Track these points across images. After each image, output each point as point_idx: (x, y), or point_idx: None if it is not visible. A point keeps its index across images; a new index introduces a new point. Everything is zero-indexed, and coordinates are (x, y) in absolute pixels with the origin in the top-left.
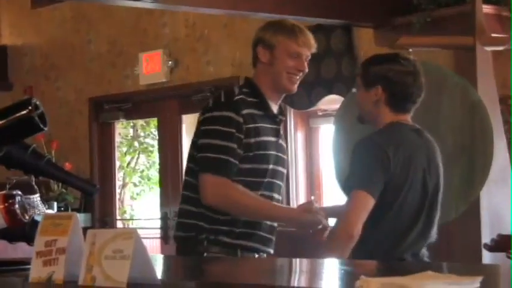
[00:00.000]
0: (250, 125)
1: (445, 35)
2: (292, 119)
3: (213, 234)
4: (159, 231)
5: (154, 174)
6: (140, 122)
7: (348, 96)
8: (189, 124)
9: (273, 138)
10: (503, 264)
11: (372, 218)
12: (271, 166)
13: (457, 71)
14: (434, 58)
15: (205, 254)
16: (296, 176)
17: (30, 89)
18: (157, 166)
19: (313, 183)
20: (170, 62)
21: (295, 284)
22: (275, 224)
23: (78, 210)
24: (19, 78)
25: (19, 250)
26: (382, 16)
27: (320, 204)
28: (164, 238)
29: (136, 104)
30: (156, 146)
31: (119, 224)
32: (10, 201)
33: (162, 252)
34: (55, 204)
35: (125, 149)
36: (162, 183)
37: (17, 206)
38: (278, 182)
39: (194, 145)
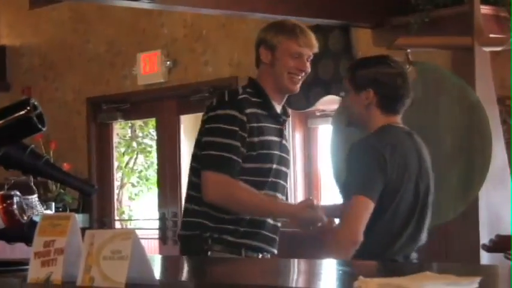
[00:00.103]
0: (254, 124)
1: (443, 36)
2: (290, 120)
3: (217, 233)
4: (157, 231)
5: (153, 174)
6: (138, 122)
7: None
8: (187, 124)
9: (276, 138)
10: (501, 265)
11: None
12: (274, 166)
13: (455, 71)
14: (432, 58)
15: (209, 253)
16: (294, 176)
17: (29, 89)
18: (155, 166)
19: (311, 184)
20: (168, 62)
21: (294, 285)
22: (278, 224)
23: (77, 211)
24: (17, 78)
25: (17, 250)
26: (380, 16)
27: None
28: (162, 239)
29: (135, 105)
30: (154, 147)
31: (117, 225)
32: (8, 201)
33: (161, 252)
34: (53, 204)
35: (123, 150)
36: (160, 183)
37: (15, 206)
38: (282, 182)
39: (198, 144)
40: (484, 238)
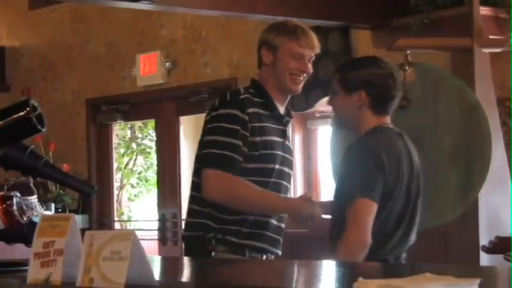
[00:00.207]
0: (256, 124)
1: (443, 37)
2: None
3: (221, 234)
4: (156, 232)
5: (152, 175)
6: (138, 123)
7: None
8: (186, 125)
9: (279, 139)
10: (501, 266)
11: None
12: (277, 166)
13: (454, 72)
14: (431, 60)
15: (213, 254)
16: (294, 177)
17: (28, 90)
18: (155, 167)
19: (310, 185)
20: (168, 64)
21: (293, 286)
22: (282, 225)
23: (76, 212)
24: (17, 79)
25: (17, 251)
26: (380, 18)
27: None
28: (162, 239)
29: (134, 106)
30: (154, 148)
31: (117, 226)
32: (8, 202)
33: (160, 253)
34: (53, 205)
35: (122, 151)
36: (160, 184)
37: (14, 207)
38: (285, 183)
39: (200, 144)
40: (484, 239)
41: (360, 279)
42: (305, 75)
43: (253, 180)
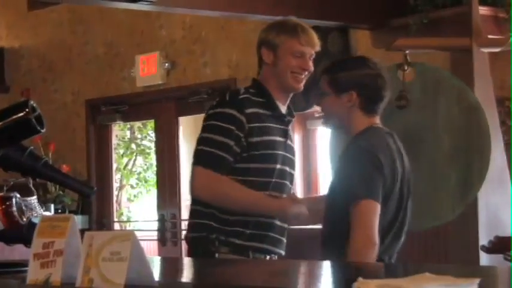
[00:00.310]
0: (255, 124)
1: (442, 37)
2: None
3: (224, 236)
4: (156, 233)
5: (152, 176)
6: (137, 124)
7: None
8: (186, 126)
9: (281, 139)
10: (500, 266)
11: None
12: (278, 166)
13: (454, 72)
14: (431, 60)
15: (216, 255)
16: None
17: (27, 91)
18: (154, 168)
19: (310, 184)
20: (167, 64)
21: (293, 286)
22: (285, 225)
23: (76, 212)
24: (16, 80)
25: (16, 252)
26: (379, 18)
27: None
28: (161, 240)
29: (133, 106)
30: (153, 148)
31: (116, 226)
32: (7, 203)
33: (160, 254)
34: (52, 206)
35: (122, 151)
36: (159, 185)
37: (14, 208)
38: (287, 182)
39: (196, 142)
40: (483, 239)
41: (360, 279)
42: (306, 73)
43: (254, 180)
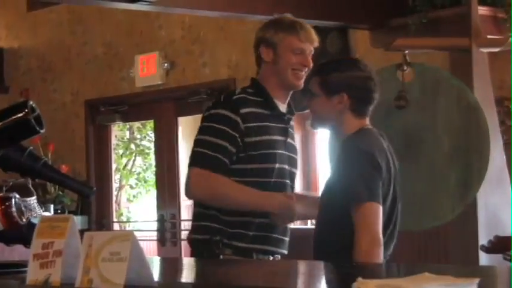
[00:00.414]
0: (251, 124)
1: (441, 37)
2: None
3: (227, 238)
4: (155, 233)
5: (151, 176)
6: (136, 124)
7: None
8: (185, 126)
9: (280, 137)
10: (500, 266)
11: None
12: (277, 165)
13: (453, 72)
14: (430, 60)
15: (221, 257)
16: None
17: (27, 91)
18: (153, 168)
19: (309, 184)
20: (166, 64)
21: (292, 286)
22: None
23: (75, 213)
24: (15, 80)
25: (16, 252)
26: (378, 18)
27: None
28: (161, 240)
29: (133, 106)
30: (153, 148)
31: (116, 226)
32: (7, 203)
33: (159, 254)
34: (52, 206)
35: (121, 151)
36: (159, 185)
37: (13, 208)
38: (287, 181)
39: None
40: (483, 239)
41: (359, 279)
42: (306, 69)
43: (254, 180)
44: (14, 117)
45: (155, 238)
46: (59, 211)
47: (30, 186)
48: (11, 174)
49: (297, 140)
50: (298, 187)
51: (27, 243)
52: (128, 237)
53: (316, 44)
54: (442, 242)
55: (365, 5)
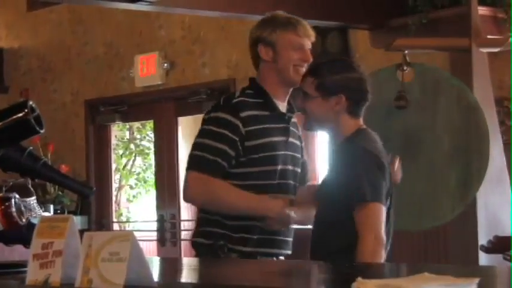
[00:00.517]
0: (252, 127)
1: (441, 37)
2: None
3: (231, 243)
4: (155, 233)
5: (151, 176)
6: (136, 124)
7: None
8: (185, 126)
9: (281, 138)
10: (500, 266)
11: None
12: (279, 167)
13: (453, 72)
14: (430, 60)
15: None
16: None
17: (26, 91)
18: (153, 168)
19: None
20: (166, 64)
21: (292, 286)
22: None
23: (75, 213)
24: (15, 80)
25: (16, 253)
26: (378, 18)
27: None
28: (161, 240)
29: (133, 106)
30: (152, 148)
31: (116, 227)
32: (6, 203)
33: (159, 254)
34: (51, 206)
35: (121, 152)
36: (158, 185)
37: (13, 208)
38: (290, 182)
39: None
40: (482, 239)
41: (359, 279)
42: (306, 65)
43: (257, 184)
44: (14, 117)
45: (155, 238)
46: (59, 211)
47: (30, 186)
48: (11, 174)
49: None
50: None
51: (27, 243)
52: (128, 237)
53: (313, 39)
54: (442, 242)
55: (365, 5)
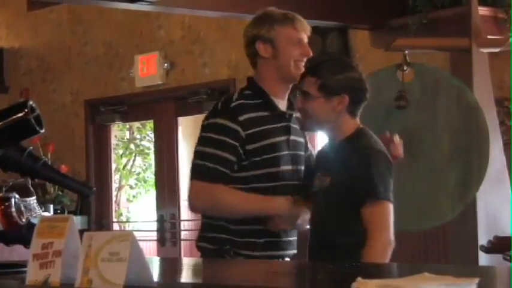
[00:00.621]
0: (252, 130)
1: (441, 37)
2: None
3: (237, 248)
4: (155, 233)
5: (151, 176)
6: (136, 124)
7: None
8: (185, 126)
9: (282, 138)
10: (500, 266)
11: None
12: (282, 168)
13: (453, 72)
14: (430, 60)
15: None
16: None
17: (27, 91)
18: (153, 168)
19: None
20: (166, 64)
21: (291, 286)
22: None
23: (75, 213)
24: (15, 80)
25: (15, 253)
26: (378, 18)
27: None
28: (160, 240)
29: (133, 106)
30: (152, 148)
31: (115, 227)
32: (6, 203)
33: (159, 254)
34: (51, 206)
35: (121, 151)
36: (158, 185)
37: (13, 208)
38: (295, 182)
39: None
40: (482, 239)
41: (359, 279)
42: (305, 59)
43: (260, 186)
44: (13, 117)
45: (155, 238)
46: (59, 211)
47: (29, 186)
48: (11, 174)
49: None
50: None
51: (26, 243)
52: (128, 237)
53: (309, 33)
54: (442, 242)
55: (365, 5)
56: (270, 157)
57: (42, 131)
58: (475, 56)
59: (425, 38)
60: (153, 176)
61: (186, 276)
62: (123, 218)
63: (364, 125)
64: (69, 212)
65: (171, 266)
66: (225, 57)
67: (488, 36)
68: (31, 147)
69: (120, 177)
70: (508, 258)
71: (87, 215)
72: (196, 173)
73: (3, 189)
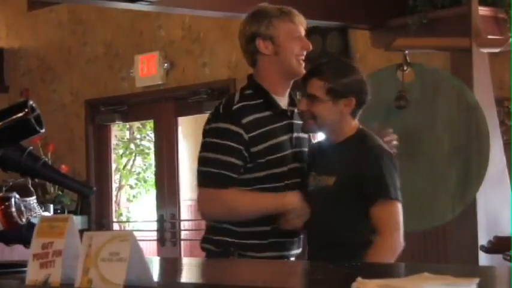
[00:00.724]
0: (255, 132)
1: (441, 37)
2: None
3: (242, 250)
4: (155, 233)
5: (151, 176)
6: (136, 124)
7: None
8: (185, 126)
9: (286, 136)
10: (500, 266)
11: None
12: (287, 167)
13: (453, 72)
14: (430, 60)
15: None
16: None
17: (27, 91)
18: (153, 168)
19: None
20: (166, 64)
21: (292, 286)
22: None
23: (75, 213)
24: (15, 80)
25: (15, 252)
26: (378, 18)
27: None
28: (160, 240)
29: (133, 106)
30: (152, 148)
31: (115, 227)
32: (6, 203)
33: (159, 254)
34: (51, 206)
35: (121, 151)
36: (158, 185)
37: (13, 208)
38: (300, 180)
39: None
40: (482, 239)
41: (359, 279)
42: (305, 53)
43: (266, 187)
44: (14, 117)
45: (155, 238)
46: (59, 211)
47: (30, 186)
48: (11, 174)
49: None
50: None
51: (27, 243)
52: (128, 237)
53: (305, 26)
54: (442, 242)
55: (365, 5)
56: (274, 158)
57: (42, 131)
58: (475, 56)
59: (425, 38)
60: (153, 176)
61: (186, 276)
62: (123, 218)
63: (364, 125)
64: (69, 212)
65: (171, 266)
66: (225, 57)
67: (489, 36)
68: (31, 147)
69: (120, 177)
70: (508, 258)
71: (87, 214)
72: (202, 180)
73: (3, 189)
